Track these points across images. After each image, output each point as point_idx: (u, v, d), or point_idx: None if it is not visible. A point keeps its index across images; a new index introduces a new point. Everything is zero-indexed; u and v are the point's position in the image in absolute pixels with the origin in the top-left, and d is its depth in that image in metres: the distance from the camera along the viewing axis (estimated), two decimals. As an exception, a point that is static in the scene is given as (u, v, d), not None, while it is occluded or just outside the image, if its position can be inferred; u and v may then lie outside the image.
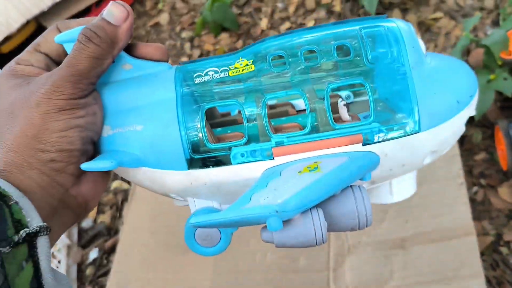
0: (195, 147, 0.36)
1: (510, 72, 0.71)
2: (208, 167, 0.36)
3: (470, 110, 0.38)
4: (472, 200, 0.70)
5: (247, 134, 0.35)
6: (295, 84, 0.36)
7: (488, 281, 0.62)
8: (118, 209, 0.81)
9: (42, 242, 0.29)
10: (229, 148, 0.36)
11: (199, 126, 0.36)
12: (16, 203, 0.29)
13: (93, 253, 0.78)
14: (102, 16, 0.34)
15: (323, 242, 0.32)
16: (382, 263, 0.61)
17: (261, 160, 0.36)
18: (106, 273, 0.73)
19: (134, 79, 0.37)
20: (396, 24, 0.35)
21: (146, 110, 0.36)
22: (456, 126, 0.37)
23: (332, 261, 0.64)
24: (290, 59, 0.36)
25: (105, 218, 0.83)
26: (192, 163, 0.37)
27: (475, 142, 0.76)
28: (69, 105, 0.33)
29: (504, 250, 0.65)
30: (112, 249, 0.75)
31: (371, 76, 0.35)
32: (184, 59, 1.10)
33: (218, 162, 0.36)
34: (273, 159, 0.35)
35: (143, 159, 0.37)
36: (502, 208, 0.69)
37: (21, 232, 0.28)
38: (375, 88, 0.36)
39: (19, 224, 0.29)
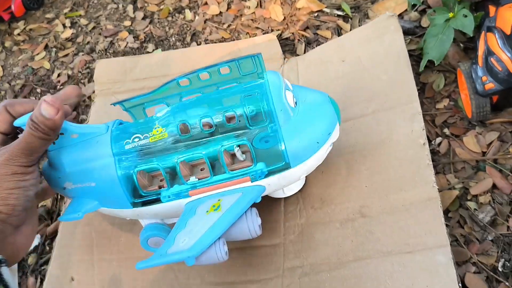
0: (134, 195, 0.53)
1: (471, 8, 0.65)
2: (146, 206, 0.54)
3: (332, 140, 0.53)
4: (436, 153, 0.65)
5: (168, 185, 0.52)
6: (197, 147, 0.51)
7: (455, 240, 0.58)
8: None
9: (4, 270, 0.40)
10: (159, 193, 0.53)
11: (133, 182, 0.52)
12: None
13: (35, 240, 0.72)
14: (40, 112, 0.45)
15: (224, 260, 0.48)
16: (339, 231, 0.56)
17: (182, 198, 0.53)
18: (48, 261, 0.67)
19: (82, 144, 0.52)
20: (268, 81, 0.50)
21: (95, 172, 0.52)
22: (318, 156, 0.53)
23: (284, 232, 0.59)
24: (192, 128, 0.51)
25: (46, 201, 0.76)
26: (134, 204, 0.54)
27: (437, 89, 0.71)
28: (20, 170, 0.45)
29: (471, 204, 0.60)
30: (55, 234, 0.69)
31: (252, 134, 0.52)
32: (127, 23, 1.01)
33: (153, 201, 0.54)
34: (190, 196, 0.53)
35: (101, 204, 0.54)
36: (468, 159, 0.64)
37: None
38: (256, 145, 0.52)
39: None
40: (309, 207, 0.59)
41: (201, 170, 0.53)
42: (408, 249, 0.52)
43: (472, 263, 0.57)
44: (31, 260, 0.72)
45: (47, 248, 0.72)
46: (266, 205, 0.61)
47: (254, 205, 0.51)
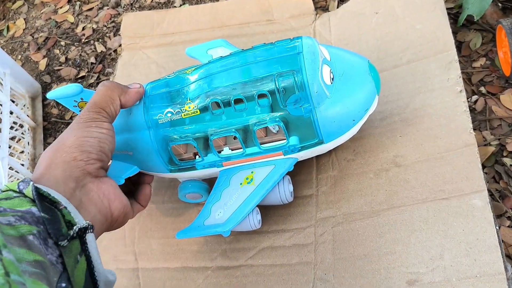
0: (170, 163, 0.54)
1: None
2: (183, 171, 0.55)
3: (368, 114, 0.52)
4: (472, 110, 0.63)
5: (202, 156, 0.53)
6: (230, 125, 0.51)
7: (491, 194, 0.56)
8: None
9: (90, 239, 0.36)
10: (194, 162, 0.54)
11: (170, 155, 0.54)
12: (65, 207, 0.36)
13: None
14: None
15: (257, 228, 0.53)
16: (372, 181, 0.55)
17: (216, 167, 0.54)
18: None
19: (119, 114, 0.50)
20: (304, 64, 0.47)
21: (131, 142, 0.53)
22: (352, 132, 0.52)
23: (316, 184, 0.58)
24: (224, 105, 0.49)
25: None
26: (171, 170, 0.55)
27: (474, 48, 0.69)
28: (94, 124, 0.45)
29: (507, 160, 0.59)
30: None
31: (285, 115, 0.49)
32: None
33: (188, 169, 0.55)
34: (223, 166, 0.54)
35: (140, 167, 0.55)
36: (504, 117, 0.62)
37: (74, 227, 0.35)
38: (290, 120, 0.50)
39: (70, 224, 0.36)
40: (342, 159, 0.58)
41: (234, 138, 0.53)
42: (443, 196, 0.50)
43: (507, 217, 0.55)
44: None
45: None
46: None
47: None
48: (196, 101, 0.50)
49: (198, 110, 0.50)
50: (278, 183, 0.52)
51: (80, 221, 0.36)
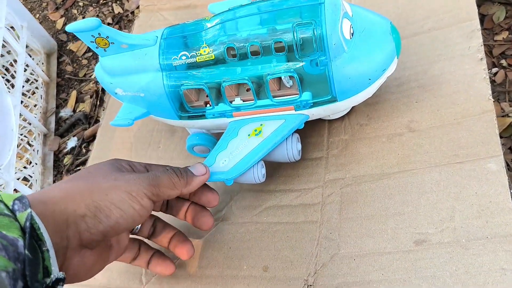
0: (181, 109, 0.54)
1: None
2: (192, 119, 0.55)
3: (386, 75, 0.50)
4: (492, 82, 0.62)
5: (213, 104, 0.52)
6: (244, 73, 0.49)
7: (507, 164, 0.55)
8: (98, 97, 0.75)
9: None
10: (204, 110, 0.53)
11: (180, 98, 0.53)
12: (47, 250, 0.32)
13: (71, 142, 0.73)
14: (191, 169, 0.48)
15: (261, 181, 0.52)
16: (385, 145, 0.54)
17: (226, 117, 0.53)
18: (84, 162, 0.68)
19: (131, 55, 0.52)
20: (324, 15, 0.45)
21: (144, 83, 0.53)
22: (369, 91, 0.50)
23: (327, 147, 0.57)
24: (239, 52, 0.48)
25: (85, 106, 0.76)
26: (181, 117, 0.55)
27: (497, 21, 0.67)
28: (139, 196, 0.41)
29: (524, 133, 0.58)
30: (92, 138, 0.69)
31: (300, 68, 0.48)
32: None
33: (198, 117, 0.54)
34: (234, 117, 0.53)
35: (150, 112, 0.55)
36: (524, 91, 0.61)
37: (52, 276, 0.31)
38: (304, 75, 0.48)
39: (47, 270, 0.32)
40: (355, 123, 0.58)
41: (247, 90, 0.52)
42: (457, 160, 0.49)
43: (523, 189, 0.54)
44: (67, 160, 0.72)
45: (84, 150, 0.72)
46: (309, 121, 0.59)
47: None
48: (212, 46, 0.49)
49: (213, 55, 0.49)
50: (286, 139, 0.51)
51: (56, 271, 0.33)
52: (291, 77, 0.50)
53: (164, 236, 0.52)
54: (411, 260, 0.46)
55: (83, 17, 0.93)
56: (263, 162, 0.52)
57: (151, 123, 0.68)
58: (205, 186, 0.51)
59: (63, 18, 0.94)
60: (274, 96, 0.50)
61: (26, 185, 0.67)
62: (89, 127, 0.74)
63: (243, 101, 0.52)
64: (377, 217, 0.49)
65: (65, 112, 0.77)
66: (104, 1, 0.94)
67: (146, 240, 0.53)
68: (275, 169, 0.57)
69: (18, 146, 0.68)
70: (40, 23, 0.93)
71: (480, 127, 0.50)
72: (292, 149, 0.51)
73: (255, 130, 0.52)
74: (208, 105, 0.53)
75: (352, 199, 0.52)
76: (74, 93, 0.79)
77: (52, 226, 0.34)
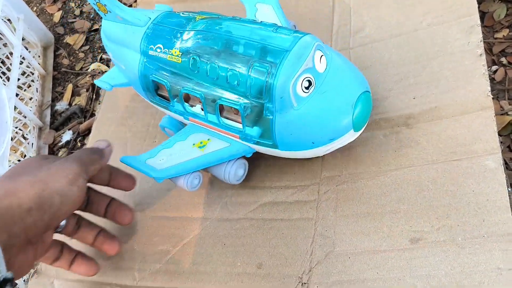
0: (150, 95, 0.57)
1: None
2: (161, 107, 0.57)
3: (335, 145, 0.48)
4: (491, 80, 0.61)
5: (173, 103, 0.54)
6: (200, 88, 0.50)
7: (505, 163, 0.54)
8: (94, 91, 0.74)
9: None
10: (167, 104, 0.55)
11: (150, 86, 0.55)
12: None
13: (67, 136, 0.72)
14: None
15: (190, 190, 0.53)
16: (382, 142, 0.53)
17: (184, 118, 0.55)
18: (79, 156, 0.66)
19: (123, 28, 0.55)
20: (282, 64, 0.44)
21: (126, 58, 0.56)
22: (312, 153, 0.49)
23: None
24: (201, 66, 0.49)
25: (81, 100, 0.76)
26: (151, 101, 0.58)
27: (497, 18, 0.67)
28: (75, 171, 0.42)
29: (523, 132, 0.57)
30: (87, 132, 0.68)
31: (248, 103, 0.47)
32: None
33: (163, 106, 0.57)
34: (189, 121, 0.55)
35: (130, 84, 0.59)
36: (523, 89, 0.60)
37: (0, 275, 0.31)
38: (255, 112, 0.47)
39: None
40: (352, 120, 0.57)
41: (211, 102, 0.51)
42: (455, 157, 0.49)
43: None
44: (61, 154, 0.72)
45: (79, 144, 0.72)
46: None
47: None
48: (182, 50, 0.50)
49: (180, 59, 0.51)
50: (228, 163, 0.52)
51: (3, 270, 0.32)
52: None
53: (89, 233, 0.52)
54: (406, 258, 0.45)
55: (81, 11, 0.92)
56: (199, 174, 0.52)
57: (146, 118, 0.67)
58: (122, 172, 0.52)
59: (61, 11, 0.93)
60: (225, 117, 0.51)
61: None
62: (84, 121, 0.73)
63: (202, 110, 0.52)
64: (373, 215, 0.49)
65: (61, 106, 0.76)
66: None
67: (69, 242, 0.52)
68: (271, 165, 0.57)
69: (12, 139, 0.67)
70: (37, 16, 0.92)
71: (479, 124, 0.49)
72: (229, 172, 0.52)
73: (201, 143, 0.53)
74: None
75: (348, 196, 0.51)
76: (70, 87, 0.79)
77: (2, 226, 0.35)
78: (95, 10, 0.62)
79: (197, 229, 0.55)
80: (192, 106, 0.54)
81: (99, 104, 0.72)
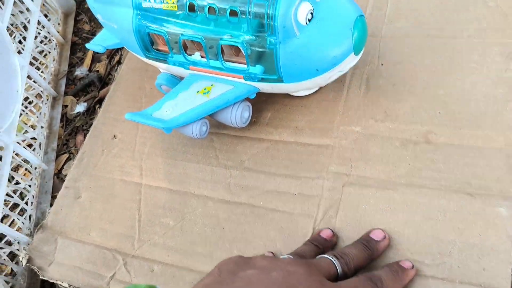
0: (146, 50, 0.57)
1: None
2: (157, 61, 0.58)
3: (338, 70, 0.49)
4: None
5: (171, 53, 0.55)
6: (200, 31, 0.51)
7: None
8: (114, 57, 0.74)
9: None
10: (166, 56, 0.56)
11: (146, 41, 0.56)
12: None
13: (80, 107, 0.72)
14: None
15: (199, 137, 0.53)
16: (397, 150, 0.52)
17: (183, 68, 0.56)
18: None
19: None
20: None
21: (117, 16, 0.56)
22: (318, 81, 0.51)
23: (336, 135, 0.55)
24: (198, 9, 0.50)
25: (100, 67, 0.75)
26: (147, 56, 0.58)
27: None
28: None
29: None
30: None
31: (250, 40, 0.48)
32: None
33: (161, 60, 0.58)
34: (189, 69, 0.56)
35: (122, 43, 0.60)
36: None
37: None
38: (255, 49, 0.48)
39: None
40: (370, 117, 0.55)
41: (210, 48, 0.52)
42: (469, 189, 0.47)
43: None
44: (79, 122, 0.72)
45: (98, 110, 0.72)
46: (323, 104, 0.57)
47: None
48: None
49: (176, 6, 0.51)
50: (234, 104, 0.52)
51: None
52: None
53: None
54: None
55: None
56: (206, 121, 0.53)
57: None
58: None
59: (82, -24, 0.90)
60: (227, 61, 0.52)
61: (30, 148, 0.67)
62: (103, 87, 0.73)
63: (201, 57, 0.53)
64: (375, 230, 0.48)
65: (81, 71, 0.76)
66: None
67: None
68: (279, 150, 0.56)
69: (26, 109, 0.67)
70: None
71: (500, 160, 0.47)
72: (236, 115, 0.53)
73: (205, 89, 0.53)
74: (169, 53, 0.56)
75: (353, 203, 0.50)
76: (90, 53, 0.78)
77: None
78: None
79: (198, 207, 0.55)
80: (190, 55, 0.54)
81: (116, 71, 0.72)
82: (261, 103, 0.59)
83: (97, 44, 0.60)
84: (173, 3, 0.51)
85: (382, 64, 0.58)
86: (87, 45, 0.61)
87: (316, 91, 0.58)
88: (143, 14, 0.54)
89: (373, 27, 0.61)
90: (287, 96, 0.58)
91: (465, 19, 0.58)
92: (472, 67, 0.54)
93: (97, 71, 0.76)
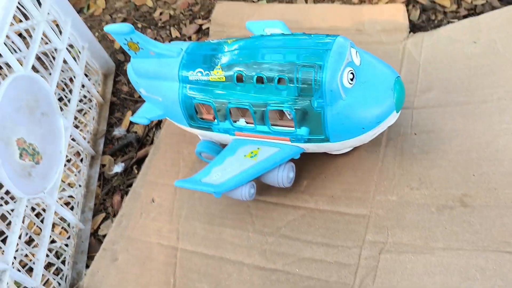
0: (191, 119, 0.60)
1: None
2: (201, 129, 0.61)
3: (382, 127, 0.52)
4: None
5: (218, 120, 0.57)
6: (248, 99, 0.53)
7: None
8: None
9: None
10: (211, 124, 0.59)
11: (192, 108, 0.58)
12: None
13: (118, 167, 0.74)
14: None
15: (247, 200, 0.55)
16: (433, 215, 0.52)
17: (228, 134, 0.58)
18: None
19: (156, 62, 0.58)
20: (327, 61, 0.48)
21: (162, 90, 0.59)
22: (362, 138, 0.52)
23: (372, 205, 0.55)
24: (246, 80, 0.52)
25: (138, 128, 0.78)
26: (191, 125, 0.61)
27: None
28: None
29: None
30: (142, 160, 0.70)
31: (300, 105, 0.51)
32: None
33: (205, 128, 0.60)
34: (234, 135, 0.58)
35: (165, 115, 0.63)
36: None
37: None
38: (302, 111, 0.51)
39: None
40: (405, 185, 0.55)
41: (256, 113, 0.55)
42: (507, 249, 0.46)
43: None
44: (116, 182, 0.73)
45: (136, 171, 0.73)
46: (358, 174, 0.58)
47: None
48: (224, 69, 0.53)
49: (224, 77, 0.54)
50: (279, 166, 0.54)
51: None
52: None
53: None
54: None
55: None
56: (253, 183, 0.55)
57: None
58: None
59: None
60: (273, 125, 0.54)
61: (68, 206, 0.68)
62: (141, 149, 0.75)
63: (247, 123, 0.56)
64: (413, 295, 0.47)
65: (119, 132, 0.78)
66: (163, 25, 0.95)
67: None
68: (315, 218, 0.56)
69: (64, 167, 0.69)
70: (98, 41, 0.95)
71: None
72: (282, 176, 0.55)
73: (252, 152, 0.55)
74: (214, 120, 0.58)
75: (390, 269, 0.50)
76: (129, 113, 0.81)
77: None
78: (124, 50, 0.65)
79: (234, 273, 0.55)
80: (235, 121, 0.56)
81: (154, 133, 0.75)
82: (296, 171, 0.59)
83: (142, 116, 0.63)
84: (221, 75, 0.54)
85: (415, 134, 0.59)
86: (131, 119, 0.64)
87: (351, 160, 0.59)
88: (189, 86, 0.57)
89: (406, 99, 0.62)
90: (322, 164, 0.59)
91: (493, 83, 0.59)
92: (504, 128, 0.55)
93: (135, 132, 0.78)
